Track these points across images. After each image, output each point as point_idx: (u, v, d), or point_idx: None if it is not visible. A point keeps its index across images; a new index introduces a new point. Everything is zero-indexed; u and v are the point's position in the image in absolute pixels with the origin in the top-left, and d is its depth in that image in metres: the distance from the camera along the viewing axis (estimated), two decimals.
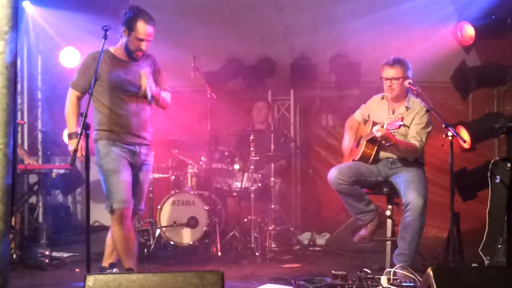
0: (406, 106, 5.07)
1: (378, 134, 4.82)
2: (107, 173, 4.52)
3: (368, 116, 5.29)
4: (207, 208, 6.21)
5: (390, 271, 4.67)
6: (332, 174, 5.00)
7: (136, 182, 4.64)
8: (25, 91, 7.51)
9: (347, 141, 5.36)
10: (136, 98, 4.59)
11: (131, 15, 4.53)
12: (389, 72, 5.08)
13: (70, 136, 4.52)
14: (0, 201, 4.07)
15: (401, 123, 4.72)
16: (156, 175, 6.58)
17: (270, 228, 6.28)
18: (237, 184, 6.48)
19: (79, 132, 4.08)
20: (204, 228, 6.17)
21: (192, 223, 6.19)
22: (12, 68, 4.23)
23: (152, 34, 4.56)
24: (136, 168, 4.64)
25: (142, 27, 4.50)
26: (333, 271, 4.71)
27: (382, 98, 5.25)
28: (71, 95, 4.57)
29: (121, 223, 4.53)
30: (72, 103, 4.56)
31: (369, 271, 4.70)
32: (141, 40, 4.52)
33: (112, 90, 4.54)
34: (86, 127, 4.07)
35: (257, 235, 6.20)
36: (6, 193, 4.10)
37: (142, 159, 4.64)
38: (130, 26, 4.52)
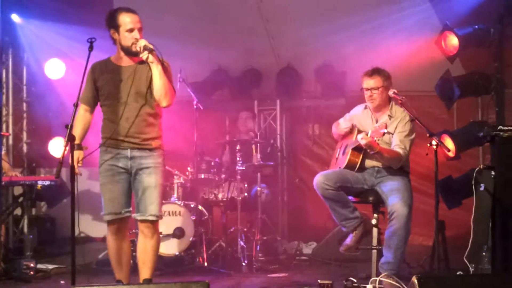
0: (388, 115, 5.12)
1: (362, 142, 4.85)
2: (100, 184, 4.49)
3: (351, 123, 5.31)
4: (194, 218, 6.20)
5: (376, 279, 4.69)
6: (318, 179, 5.02)
7: (136, 189, 4.45)
8: (10, 103, 7.49)
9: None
10: (126, 101, 4.43)
11: (110, 14, 4.49)
12: (369, 82, 5.15)
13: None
14: None
15: (385, 130, 4.76)
16: None
17: (256, 237, 6.28)
18: (223, 194, 6.48)
19: (64, 144, 4.06)
20: (191, 239, 6.14)
21: (178, 233, 6.15)
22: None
23: (139, 21, 4.45)
24: (133, 173, 4.46)
25: (125, 17, 4.42)
26: (319, 280, 4.71)
27: (365, 108, 5.30)
28: (79, 108, 4.50)
29: (112, 234, 4.50)
30: (77, 116, 4.49)
31: (355, 280, 4.72)
32: (131, 30, 4.41)
33: (106, 98, 4.51)
34: (71, 139, 4.05)
35: (244, 245, 6.19)
36: None
37: (138, 162, 4.44)
38: (114, 24, 4.45)
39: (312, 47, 7.63)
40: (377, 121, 5.17)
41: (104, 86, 4.52)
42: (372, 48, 7.11)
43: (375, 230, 5.14)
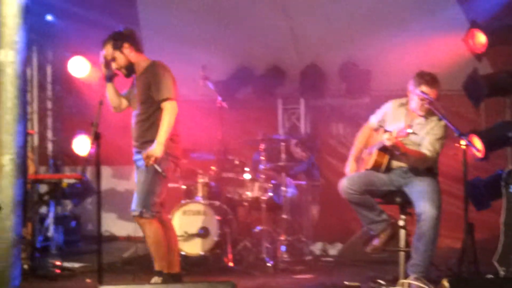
0: (425, 116, 4.99)
1: (387, 143, 4.78)
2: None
3: (384, 121, 5.22)
4: (218, 218, 6.17)
5: (404, 282, 4.62)
6: (343, 183, 4.96)
7: None
8: (35, 101, 7.53)
9: (356, 150, 5.31)
10: (134, 106, 4.95)
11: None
12: (427, 90, 4.90)
13: None
14: (12, 212, 4.07)
15: (410, 130, 4.68)
16: (169, 185, 6.54)
17: (281, 238, 6.24)
18: (248, 194, 6.43)
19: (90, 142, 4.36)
20: (215, 238, 6.12)
21: (203, 233, 6.15)
22: (23, 78, 4.25)
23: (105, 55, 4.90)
24: None
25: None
26: (346, 282, 4.65)
27: (402, 104, 5.16)
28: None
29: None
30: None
31: (384, 282, 4.65)
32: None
33: None
34: (97, 136, 4.10)
35: (269, 245, 6.16)
36: (17, 204, 4.10)
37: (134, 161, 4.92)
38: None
39: (336, 45, 7.58)
40: (410, 121, 5.04)
41: None
42: (397, 46, 7.03)
43: (402, 231, 5.07)
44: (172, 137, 4.79)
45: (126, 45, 4.90)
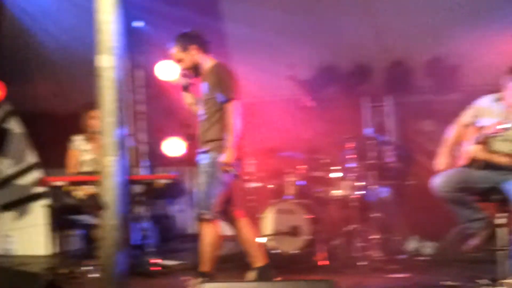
0: None
1: (480, 139, 4.66)
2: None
3: (476, 117, 5.08)
4: (309, 216, 6.19)
5: (504, 282, 4.48)
6: (436, 182, 4.87)
7: None
8: (130, 104, 7.76)
9: (448, 147, 5.19)
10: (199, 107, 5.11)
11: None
12: None
13: None
14: (116, 211, 4.23)
15: (504, 126, 4.54)
16: (256, 184, 6.63)
17: (373, 236, 6.18)
18: (337, 192, 6.42)
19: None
20: (306, 237, 6.14)
21: (293, 231, 6.18)
22: (122, 82, 4.42)
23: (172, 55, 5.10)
24: None
25: None
26: (442, 282, 4.56)
27: (497, 100, 5.01)
28: None
29: None
30: None
31: (483, 282, 4.52)
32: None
33: None
34: (189, 137, 4.25)
35: (361, 244, 6.11)
36: (121, 205, 4.26)
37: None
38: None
39: (422, 40, 7.40)
40: (507, 117, 4.89)
41: None
42: (488, 39, 6.80)
43: (501, 230, 4.92)
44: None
45: (193, 46, 5.01)
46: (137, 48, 7.64)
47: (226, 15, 7.40)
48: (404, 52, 7.72)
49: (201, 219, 4.83)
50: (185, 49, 5.01)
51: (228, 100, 4.84)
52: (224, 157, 4.76)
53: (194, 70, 5.07)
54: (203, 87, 5.03)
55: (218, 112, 4.89)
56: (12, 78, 6.95)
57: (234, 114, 4.81)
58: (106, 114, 4.36)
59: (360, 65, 7.92)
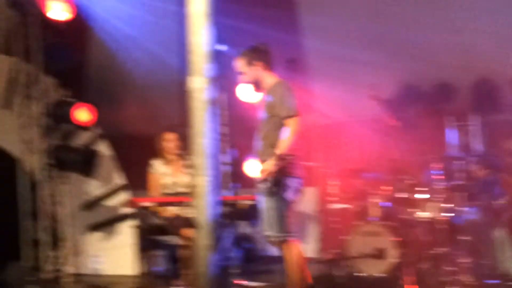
0: None
1: None
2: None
3: None
4: (395, 239, 6.06)
5: None
6: None
7: None
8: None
9: None
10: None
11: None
12: None
13: None
14: (208, 231, 4.28)
15: None
16: (339, 205, 6.56)
17: (463, 260, 5.97)
18: (423, 214, 6.26)
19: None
20: (392, 260, 6.01)
21: (379, 254, 6.06)
22: (216, 103, 4.49)
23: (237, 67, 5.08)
24: None
25: None
26: None
27: None
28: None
29: None
30: None
31: None
32: None
33: None
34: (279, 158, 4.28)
35: (450, 268, 5.92)
36: (213, 223, 4.33)
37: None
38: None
39: (507, 57, 7.20)
40: None
41: None
42: None
43: None
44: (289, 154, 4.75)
45: (258, 63, 5.01)
46: (220, 70, 7.76)
47: (305, 29, 7.42)
48: (488, 69, 7.53)
49: (278, 242, 4.80)
50: (250, 64, 5.03)
51: (290, 117, 4.81)
52: (266, 164, 4.72)
53: (255, 85, 5.08)
54: (264, 103, 5.03)
55: (277, 130, 4.86)
56: (101, 102, 7.17)
57: (293, 131, 4.76)
58: (197, 134, 4.44)
59: (445, 84, 7.77)
